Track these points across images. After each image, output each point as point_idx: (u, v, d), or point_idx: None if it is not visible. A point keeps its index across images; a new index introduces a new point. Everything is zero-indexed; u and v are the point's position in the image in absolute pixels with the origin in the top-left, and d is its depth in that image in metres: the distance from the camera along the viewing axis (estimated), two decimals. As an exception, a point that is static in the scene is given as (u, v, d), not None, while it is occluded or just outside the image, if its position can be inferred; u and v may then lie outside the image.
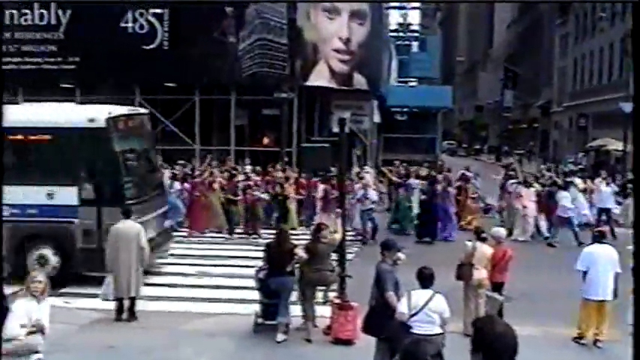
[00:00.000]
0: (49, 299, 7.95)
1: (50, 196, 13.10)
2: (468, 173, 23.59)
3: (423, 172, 24.18)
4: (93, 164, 13.51)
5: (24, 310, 7.59)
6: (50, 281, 8.28)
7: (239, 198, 19.62)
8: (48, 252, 13.42)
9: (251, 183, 20.17)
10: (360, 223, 19.03)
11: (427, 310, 7.91)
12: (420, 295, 7.99)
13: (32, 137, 13.41)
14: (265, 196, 19.81)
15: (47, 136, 13.39)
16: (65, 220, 13.14)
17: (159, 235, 14.48)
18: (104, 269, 11.50)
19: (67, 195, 13.21)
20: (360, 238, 18.67)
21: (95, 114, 13.60)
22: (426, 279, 8.13)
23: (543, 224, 20.02)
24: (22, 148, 13.39)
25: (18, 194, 12.92)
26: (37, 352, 7.73)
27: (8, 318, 7.54)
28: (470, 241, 11.27)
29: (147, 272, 12.86)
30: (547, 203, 19.91)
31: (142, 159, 15.37)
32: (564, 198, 19.23)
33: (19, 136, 13.17)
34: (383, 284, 8.71)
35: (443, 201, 19.79)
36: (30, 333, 7.55)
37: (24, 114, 13.86)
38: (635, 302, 5.84)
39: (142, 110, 15.98)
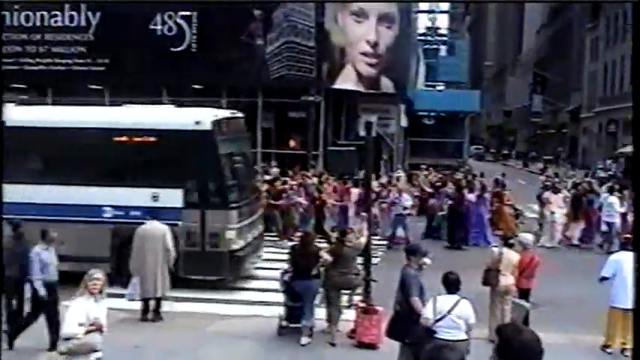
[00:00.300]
0: (106, 298, 7.93)
1: (155, 198, 12.99)
2: (503, 179, 23.42)
3: (458, 176, 24.03)
4: (197, 167, 13.43)
5: (82, 309, 7.52)
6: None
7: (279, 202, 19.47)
8: None
9: (287, 187, 20.13)
10: (389, 229, 18.92)
11: (452, 315, 7.83)
12: (445, 301, 7.93)
13: (137, 139, 13.40)
14: (303, 200, 19.65)
15: (152, 138, 13.31)
16: (169, 222, 12.80)
17: (255, 239, 14.42)
18: (207, 273, 11.50)
19: (171, 197, 13.12)
20: (387, 243, 18.53)
21: (201, 116, 13.50)
22: (451, 284, 8.05)
23: (577, 231, 19.74)
24: (126, 149, 13.38)
25: (122, 196, 13.14)
26: (96, 350, 7.69)
27: (67, 316, 7.54)
28: (497, 246, 11.16)
29: (241, 278, 13.24)
30: (586, 210, 19.67)
31: (242, 162, 15.31)
32: (613, 203, 18.92)
33: (124, 138, 13.22)
34: (408, 289, 8.65)
35: (478, 206, 19.66)
36: (88, 332, 7.49)
37: (129, 116, 13.91)
38: (635, 302, 5.79)
39: (239, 113, 15.84)
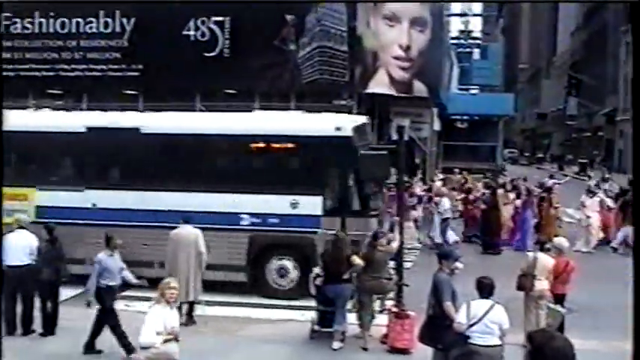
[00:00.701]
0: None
1: (294, 205, 12.83)
2: (552, 182, 23.12)
3: (502, 180, 23.75)
4: (337, 173, 13.41)
5: (160, 318, 7.52)
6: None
7: None
8: (289, 263, 13.28)
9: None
10: (434, 233, 18.79)
11: (486, 320, 7.75)
12: (479, 306, 7.85)
13: (275, 146, 13.40)
14: None
15: (291, 145, 13.28)
16: (308, 230, 12.85)
17: None
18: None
19: (310, 204, 13.03)
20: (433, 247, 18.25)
21: (341, 122, 13.46)
22: (485, 289, 7.97)
23: (619, 235, 19.39)
24: (264, 156, 13.38)
25: (259, 203, 13.09)
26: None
27: (144, 325, 7.49)
28: (532, 251, 11.03)
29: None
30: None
31: None
32: None
33: (262, 145, 13.21)
34: (440, 294, 8.59)
35: (524, 211, 19.46)
36: (166, 341, 7.49)
37: (267, 122, 13.86)
38: (635, 302, 5.71)
39: (365, 118, 15.71)
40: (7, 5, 28.69)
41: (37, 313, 10.88)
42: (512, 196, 21.29)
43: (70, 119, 15.51)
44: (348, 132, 13.17)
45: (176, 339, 7.58)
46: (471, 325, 7.77)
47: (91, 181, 14.57)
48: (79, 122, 14.96)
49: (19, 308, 10.84)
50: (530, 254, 10.88)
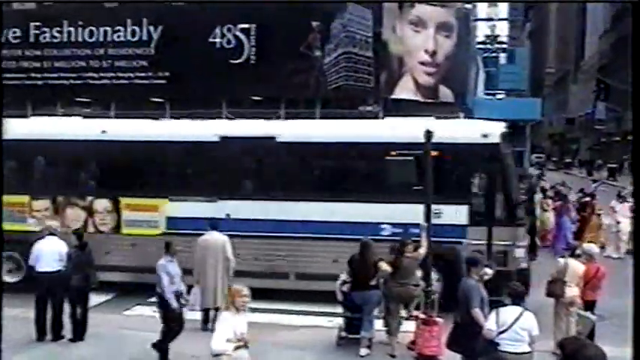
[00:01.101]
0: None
1: (437, 214, 11.85)
2: (594, 187, 22.85)
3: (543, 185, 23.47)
4: (484, 182, 13.04)
5: (230, 325, 7.49)
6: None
7: None
8: (433, 275, 12.51)
9: None
10: None
11: (516, 327, 7.68)
12: (508, 312, 7.77)
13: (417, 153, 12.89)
14: None
15: (434, 152, 12.57)
16: (452, 240, 12.41)
17: None
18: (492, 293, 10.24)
19: (454, 214, 12.63)
20: None
21: (489, 129, 13.10)
22: (516, 296, 7.90)
23: None
24: (406, 164, 12.61)
25: (400, 212, 12.78)
26: None
27: (216, 332, 7.45)
28: (563, 257, 10.89)
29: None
30: None
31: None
32: None
33: (403, 152, 12.55)
34: (469, 300, 8.52)
35: (559, 216, 19.26)
36: (237, 347, 7.46)
37: (409, 129, 13.23)
38: (635, 303, 5.62)
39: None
40: (36, 13, 29.14)
41: (66, 319, 10.97)
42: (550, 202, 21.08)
43: (203, 129, 15.15)
44: (496, 139, 12.80)
45: (246, 345, 7.54)
46: (501, 332, 7.70)
47: (225, 192, 14.20)
48: (212, 132, 14.67)
49: (49, 314, 10.94)
50: (561, 260, 10.74)
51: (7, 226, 12.18)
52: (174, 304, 10.17)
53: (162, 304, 10.24)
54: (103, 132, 14.76)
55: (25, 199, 14.79)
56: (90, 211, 14.70)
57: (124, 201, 14.50)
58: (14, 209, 14.29)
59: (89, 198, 14.71)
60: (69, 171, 15.63)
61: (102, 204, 14.67)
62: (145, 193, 14.49)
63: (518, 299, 7.90)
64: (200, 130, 15.20)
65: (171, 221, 14.16)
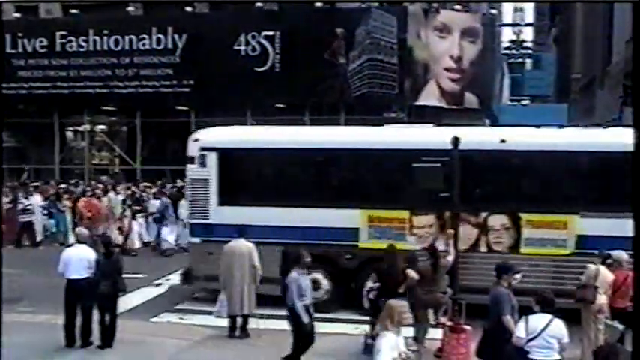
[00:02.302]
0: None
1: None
2: None
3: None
4: None
5: (393, 343, 7.34)
6: None
7: None
8: None
9: None
10: None
11: (545, 335, 7.59)
12: (538, 320, 7.68)
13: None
14: None
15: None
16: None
17: None
18: None
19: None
20: None
21: None
22: (545, 303, 7.79)
23: None
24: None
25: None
26: None
27: (381, 351, 7.23)
28: (593, 263, 10.71)
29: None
30: None
31: None
32: None
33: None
34: (499, 308, 8.43)
35: None
36: None
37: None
38: (635, 303, 5.49)
39: None
40: (63, 23, 29.50)
41: (95, 326, 11.02)
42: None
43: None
44: None
45: None
46: (530, 340, 7.62)
47: None
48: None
49: (78, 320, 11.00)
50: (592, 266, 10.56)
51: (377, 244, 12.09)
52: (304, 317, 9.97)
53: (293, 318, 10.04)
54: (502, 142, 12.92)
55: (405, 214, 13.14)
56: (483, 229, 13.08)
57: (526, 217, 12.80)
58: (389, 225, 13.10)
59: (483, 214, 13.08)
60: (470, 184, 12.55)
61: (498, 220, 12.99)
62: (549, 208, 12.78)
63: (547, 306, 7.80)
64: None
65: (584, 240, 12.42)
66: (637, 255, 6.29)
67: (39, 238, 21.08)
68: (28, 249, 20.39)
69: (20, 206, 20.98)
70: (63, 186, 24.11)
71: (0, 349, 8.99)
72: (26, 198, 21.27)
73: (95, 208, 20.32)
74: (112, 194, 21.20)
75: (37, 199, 21.47)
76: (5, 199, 21.30)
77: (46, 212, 21.43)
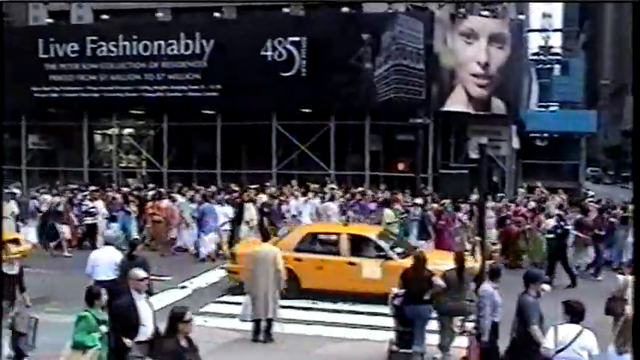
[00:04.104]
0: None
1: None
2: None
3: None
4: None
5: None
6: None
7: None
8: None
9: (510, 213, 19.73)
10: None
11: (575, 346, 7.46)
12: (568, 330, 7.55)
13: None
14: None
15: None
16: None
17: None
18: None
19: None
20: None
21: None
22: (575, 313, 7.66)
23: None
24: None
25: None
26: None
27: None
28: (622, 274, 10.56)
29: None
30: None
31: None
32: None
33: None
34: (527, 317, 8.32)
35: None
36: None
37: None
38: (635, 303, 5.37)
39: None
40: (93, 28, 29.84)
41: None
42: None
43: None
44: None
45: None
46: (559, 351, 7.50)
47: None
48: None
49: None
50: (621, 277, 10.42)
51: None
52: (486, 336, 9.46)
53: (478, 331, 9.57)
54: None
55: None
56: None
57: None
58: None
59: None
60: None
61: None
62: None
63: (576, 317, 7.68)
64: None
65: None
66: (637, 255, 6.21)
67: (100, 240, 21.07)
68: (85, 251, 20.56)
69: (83, 208, 20.99)
70: (125, 189, 24.15)
71: (0, 349, 9.08)
72: (90, 200, 21.27)
73: (168, 212, 20.60)
74: (181, 198, 21.28)
75: (99, 203, 21.38)
76: (60, 199, 21.50)
77: (107, 216, 21.18)
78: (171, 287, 15.59)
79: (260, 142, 28.11)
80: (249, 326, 11.77)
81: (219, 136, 28.24)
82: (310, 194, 21.89)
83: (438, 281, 10.45)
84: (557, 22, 55.21)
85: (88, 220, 20.74)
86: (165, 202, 21.00)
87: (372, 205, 21.14)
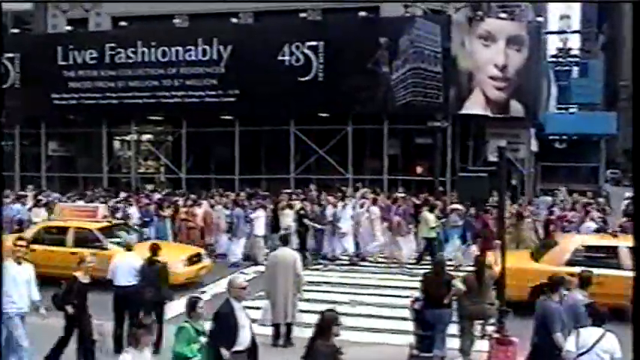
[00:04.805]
0: None
1: None
2: None
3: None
4: None
5: None
6: None
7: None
8: None
9: (554, 218, 19.63)
10: None
11: (597, 349, 7.40)
12: (590, 334, 7.49)
13: None
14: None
15: None
16: None
17: None
18: None
19: None
20: None
21: None
22: (598, 316, 7.60)
23: None
24: None
25: None
26: None
27: None
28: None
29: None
30: None
31: None
32: None
33: None
34: (551, 324, 8.25)
35: None
36: None
37: None
38: (635, 303, 5.28)
39: None
40: (112, 35, 30.07)
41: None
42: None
43: None
44: None
45: None
46: (581, 354, 7.44)
47: None
48: None
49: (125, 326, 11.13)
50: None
51: None
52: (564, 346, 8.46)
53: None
54: None
55: None
56: None
57: None
58: None
59: None
60: None
61: None
62: None
63: (599, 320, 7.61)
64: None
65: None
66: (637, 254, 6.15)
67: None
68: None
69: (119, 214, 20.94)
70: (158, 196, 24.28)
71: (0, 348, 9.15)
72: (128, 206, 21.41)
73: (207, 219, 20.68)
74: (218, 204, 21.28)
75: (134, 209, 21.46)
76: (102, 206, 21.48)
77: (140, 222, 21.10)
78: (190, 293, 15.61)
79: (278, 147, 28.18)
80: (268, 331, 11.77)
81: (237, 142, 28.32)
82: (348, 200, 21.80)
83: (458, 284, 10.41)
84: (576, 23, 54.91)
85: None
86: (202, 209, 21.04)
87: (412, 210, 20.86)
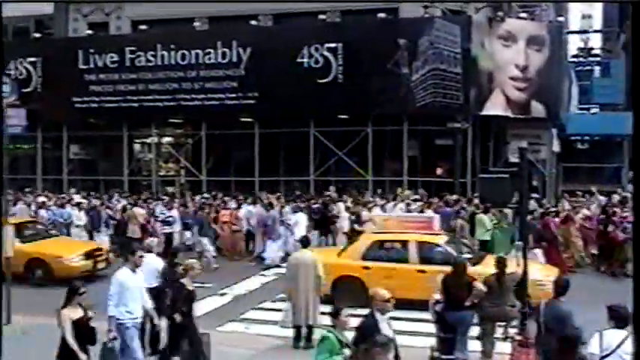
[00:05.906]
0: None
1: None
2: None
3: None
4: None
5: None
6: None
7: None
8: None
9: (616, 219, 19.32)
10: None
11: (621, 352, 7.30)
12: (613, 336, 7.39)
13: None
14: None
15: None
16: None
17: None
18: None
19: None
20: None
21: None
22: (621, 319, 7.50)
23: None
24: None
25: None
26: None
27: None
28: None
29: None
30: None
31: None
32: None
33: None
34: (568, 327, 8.18)
35: None
36: None
37: None
38: (635, 303, 5.18)
39: None
40: (132, 38, 30.27)
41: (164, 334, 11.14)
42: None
43: None
44: None
45: None
46: (604, 357, 7.34)
47: None
48: None
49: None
50: None
51: None
52: None
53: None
54: None
55: None
56: None
57: None
58: None
59: None
60: None
61: None
62: None
63: (622, 322, 7.51)
64: None
65: None
66: (637, 254, 6.03)
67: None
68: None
69: (160, 217, 21.07)
70: (197, 198, 24.46)
71: (0, 350, 9.22)
72: (169, 209, 21.44)
73: (252, 220, 20.86)
74: (255, 207, 21.41)
75: (175, 211, 21.54)
76: (142, 210, 21.65)
77: (181, 224, 21.35)
78: (211, 294, 15.68)
79: (297, 149, 28.20)
80: (290, 333, 11.77)
81: (256, 144, 28.39)
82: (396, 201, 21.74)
83: (479, 286, 10.35)
84: (597, 23, 54.26)
85: (166, 230, 20.73)
86: (243, 211, 21.15)
87: (448, 210, 20.76)
